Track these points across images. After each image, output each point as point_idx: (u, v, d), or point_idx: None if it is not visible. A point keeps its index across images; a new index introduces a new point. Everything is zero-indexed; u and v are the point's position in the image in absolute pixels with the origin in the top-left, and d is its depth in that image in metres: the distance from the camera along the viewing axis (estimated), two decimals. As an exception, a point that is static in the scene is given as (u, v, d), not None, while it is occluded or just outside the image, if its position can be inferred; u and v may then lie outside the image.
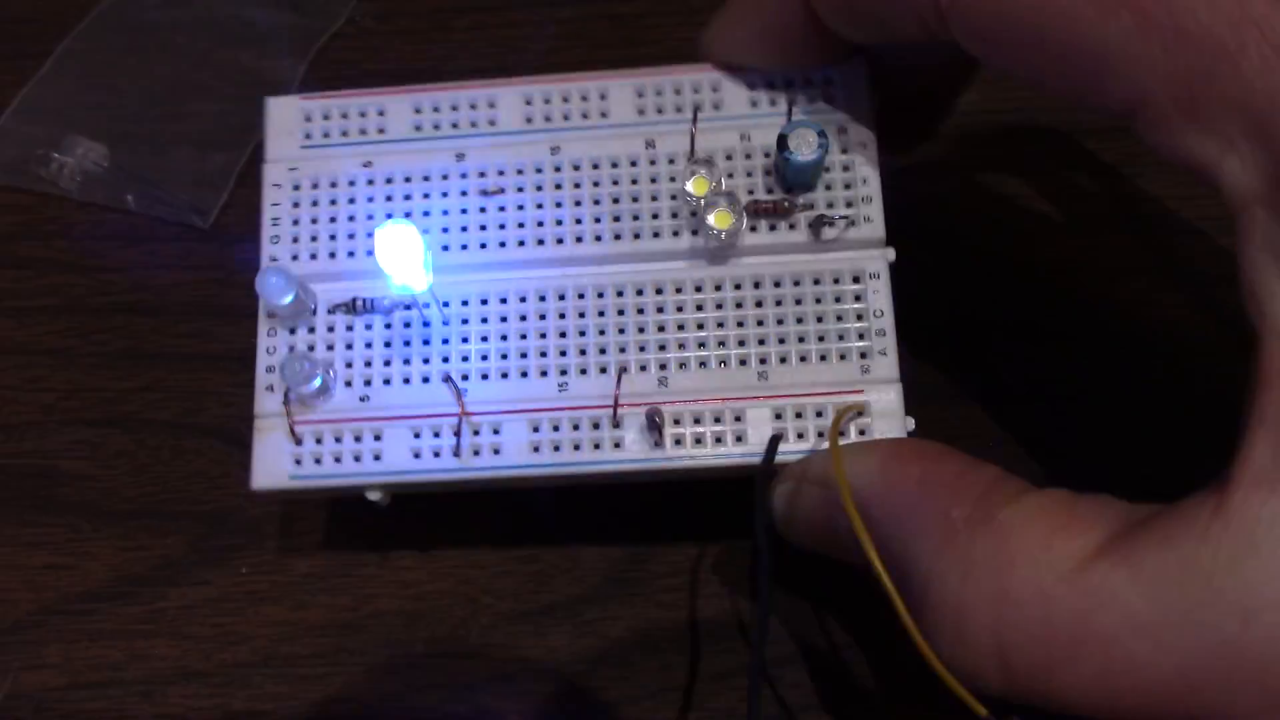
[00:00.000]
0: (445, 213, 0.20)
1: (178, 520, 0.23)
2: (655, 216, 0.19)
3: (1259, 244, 0.14)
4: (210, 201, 0.28)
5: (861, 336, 0.19)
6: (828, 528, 0.17)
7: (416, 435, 0.19)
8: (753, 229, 0.19)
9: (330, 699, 0.21)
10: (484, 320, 0.20)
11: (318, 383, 0.19)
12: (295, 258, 0.20)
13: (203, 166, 0.28)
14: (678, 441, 0.19)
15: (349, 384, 0.20)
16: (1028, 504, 0.16)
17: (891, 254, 0.19)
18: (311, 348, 0.20)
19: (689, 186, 0.19)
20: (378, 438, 0.19)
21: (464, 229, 0.20)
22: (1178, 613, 0.14)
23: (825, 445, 0.18)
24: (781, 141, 0.19)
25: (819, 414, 0.18)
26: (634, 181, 0.20)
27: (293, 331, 0.20)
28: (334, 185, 0.20)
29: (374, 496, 0.19)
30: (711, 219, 0.19)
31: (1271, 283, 0.14)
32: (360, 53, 0.29)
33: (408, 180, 0.20)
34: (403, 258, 0.18)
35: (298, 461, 0.19)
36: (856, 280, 0.19)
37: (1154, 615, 0.14)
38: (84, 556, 0.23)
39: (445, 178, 0.20)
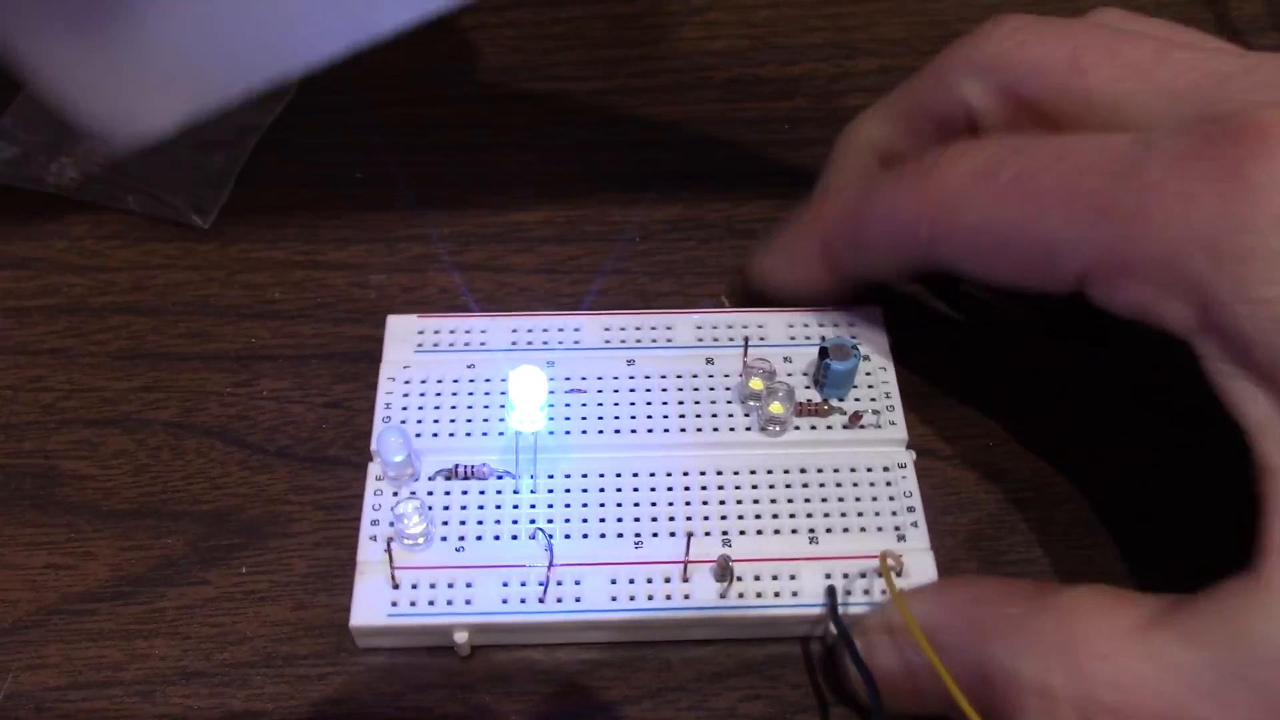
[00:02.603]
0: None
1: (177, 520, 0.23)
2: (715, 416, 0.24)
3: (1214, 368, 0.18)
4: (210, 201, 0.28)
5: (895, 513, 0.23)
6: (905, 673, 0.19)
7: (505, 584, 0.22)
8: (797, 428, 0.23)
9: (330, 699, 0.21)
10: (567, 490, 0.23)
11: (419, 529, 0.22)
12: (402, 431, 0.23)
13: (203, 167, 0.29)
14: (740, 595, 0.21)
15: (444, 539, 0.22)
16: (1079, 589, 0.18)
17: (914, 454, 0.23)
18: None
19: (749, 384, 0.23)
20: (469, 584, 0.22)
21: (551, 419, 0.23)
22: (1232, 674, 0.16)
23: (871, 604, 0.21)
24: (823, 352, 0.23)
25: (863, 575, 0.22)
26: (696, 389, 0.24)
27: (395, 494, 0.23)
28: (440, 381, 0.24)
29: (460, 638, 0.21)
30: (770, 408, 0.23)
31: (1233, 384, 0.18)
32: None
33: (503, 380, 0.24)
34: (529, 396, 0.22)
35: (394, 604, 0.21)
36: (886, 469, 0.23)
37: (1211, 678, 0.16)
38: (84, 556, 0.23)
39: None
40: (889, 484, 0.23)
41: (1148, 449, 0.24)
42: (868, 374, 0.24)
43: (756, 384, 0.23)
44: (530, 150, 0.30)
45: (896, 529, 0.22)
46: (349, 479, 0.23)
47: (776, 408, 0.23)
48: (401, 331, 0.25)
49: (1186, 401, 0.25)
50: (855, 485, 0.23)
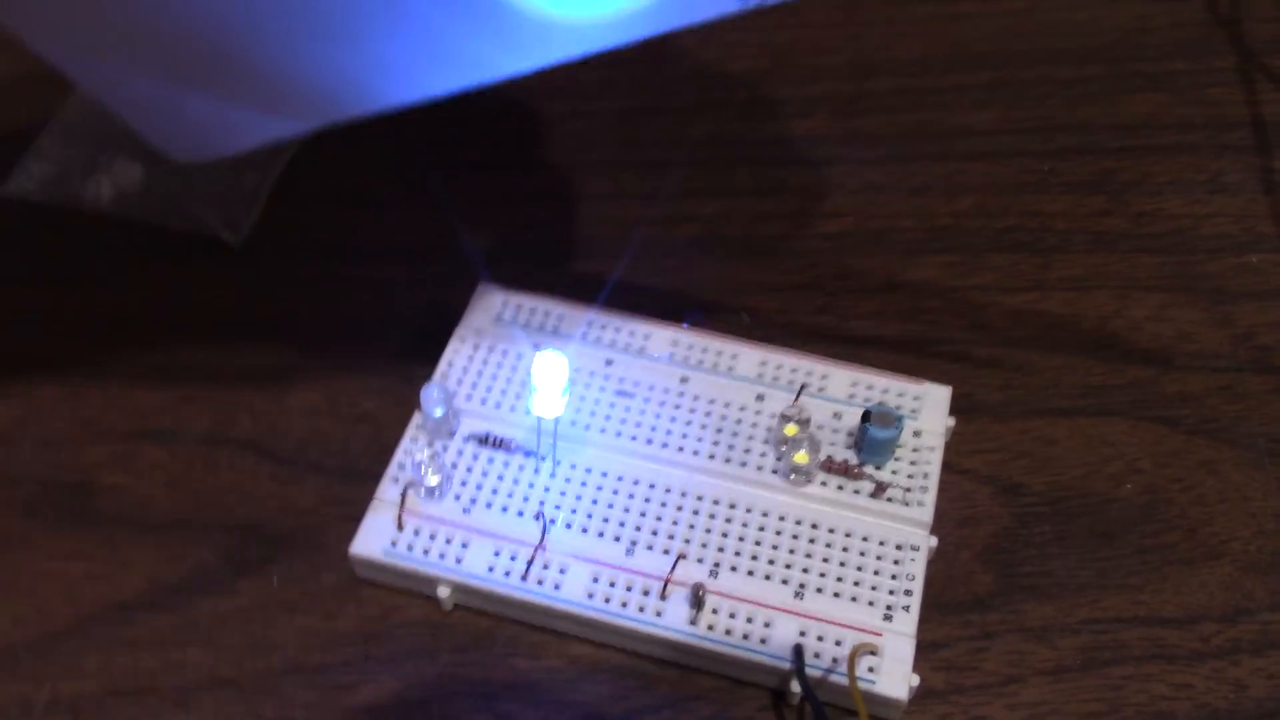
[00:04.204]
0: (583, 399, 0.24)
1: (210, 531, 0.24)
2: (748, 451, 0.24)
3: None
4: (242, 219, 0.29)
5: (891, 592, 0.22)
6: None
7: (496, 553, 0.22)
8: (823, 483, 0.24)
9: (358, 707, 0.21)
10: (583, 484, 0.23)
11: (435, 484, 0.23)
12: (454, 391, 0.25)
13: (235, 185, 0.29)
14: (710, 626, 0.22)
15: (458, 497, 0.23)
16: None
17: (934, 541, 0.23)
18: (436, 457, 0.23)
19: (784, 430, 0.24)
20: (464, 545, 0.23)
21: (593, 414, 0.24)
22: None
23: (837, 671, 0.21)
24: (865, 416, 0.23)
25: (838, 643, 0.22)
26: (739, 421, 0.24)
27: (431, 445, 0.23)
28: (504, 354, 0.25)
29: (444, 593, 0.22)
30: (793, 456, 0.23)
31: None
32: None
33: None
34: (551, 381, 0.22)
35: (394, 543, 0.23)
36: (899, 548, 0.23)
37: None
38: (120, 566, 0.23)
39: (593, 374, 0.25)
40: (896, 562, 0.22)
41: (1161, 462, 0.25)
42: (914, 450, 0.24)
43: (790, 429, 0.24)
44: (555, 169, 0.30)
45: (888, 607, 0.22)
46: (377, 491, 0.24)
47: (801, 457, 0.23)
48: (486, 301, 0.26)
49: (1201, 414, 0.25)
50: (862, 554, 0.22)
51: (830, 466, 0.24)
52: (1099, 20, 0.34)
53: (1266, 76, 0.33)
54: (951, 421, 0.24)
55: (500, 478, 0.23)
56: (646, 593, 0.22)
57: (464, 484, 0.23)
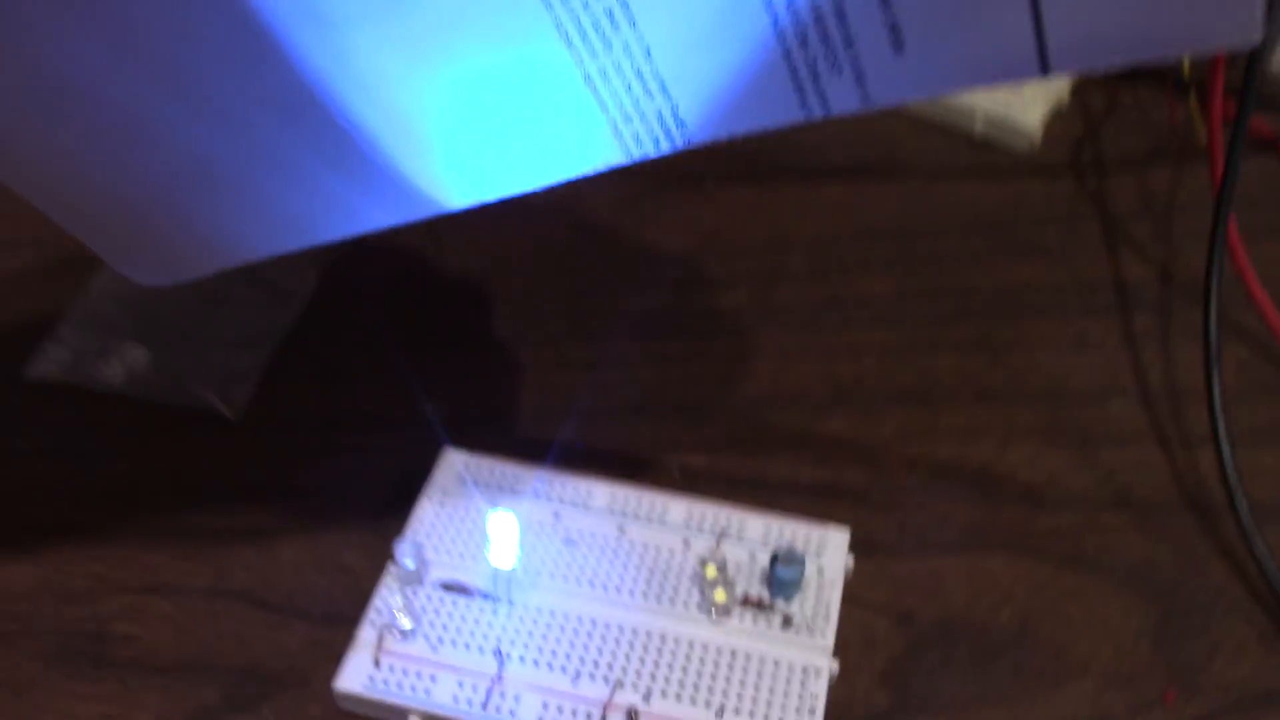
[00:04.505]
0: (534, 547, 0.29)
1: (213, 673, 0.27)
2: (676, 589, 0.28)
3: None
4: (239, 395, 0.33)
5: (798, 710, 0.26)
6: None
7: (460, 684, 0.26)
8: (740, 618, 0.28)
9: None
10: (535, 622, 0.27)
11: (408, 627, 0.27)
12: (425, 538, 0.29)
13: (231, 366, 0.33)
14: None
15: (427, 637, 0.27)
16: None
17: (836, 665, 0.27)
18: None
19: (705, 571, 0.28)
20: (433, 678, 0.26)
21: (543, 560, 0.28)
22: None
23: None
24: (774, 557, 0.28)
25: None
26: (668, 564, 0.29)
27: (403, 592, 0.28)
28: (466, 511, 0.29)
29: None
30: (713, 594, 0.28)
31: None
32: (367, 258, 0.34)
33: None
34: (504, 535, 0.27)
35: (372, 679, 0.26)
36: (805, 671, 0.27)
37: None
38: (133, 707, 0.27)
39: (542, 524, 0.29)
40: (803, 684, 0.26)
41: (1033, 591, 0.29)
42: (818, 586, 0.28)
43: (711, 571, 0.28)
44: (508, 342, 0.35)
45: None
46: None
47: (720, 595, 0.27)
48: (449, 464, 0.30)
49: (1067, 546, 0.30)
50: (774, 678, 0.26)
51: (746, 601, 0.28)
52: (982, 197, 0.40)
53: (1127, 244, 0.38)
54: (850, 560, 0.28)
55: (463, 619, 0.27)
56: (589, 716, 0.26)
57: (432, 625, 0.27)
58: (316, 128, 0.25)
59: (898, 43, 0.21)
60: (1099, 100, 0.43)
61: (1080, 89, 0.44)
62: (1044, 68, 0.20)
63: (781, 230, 0.38)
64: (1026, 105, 0.41)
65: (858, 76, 0.21)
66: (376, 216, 0.27)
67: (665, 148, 0.24)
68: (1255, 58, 0.31)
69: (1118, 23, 0.20)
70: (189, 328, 0.34)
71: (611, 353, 0.34)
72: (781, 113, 0.23)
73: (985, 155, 0.41)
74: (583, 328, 0.35)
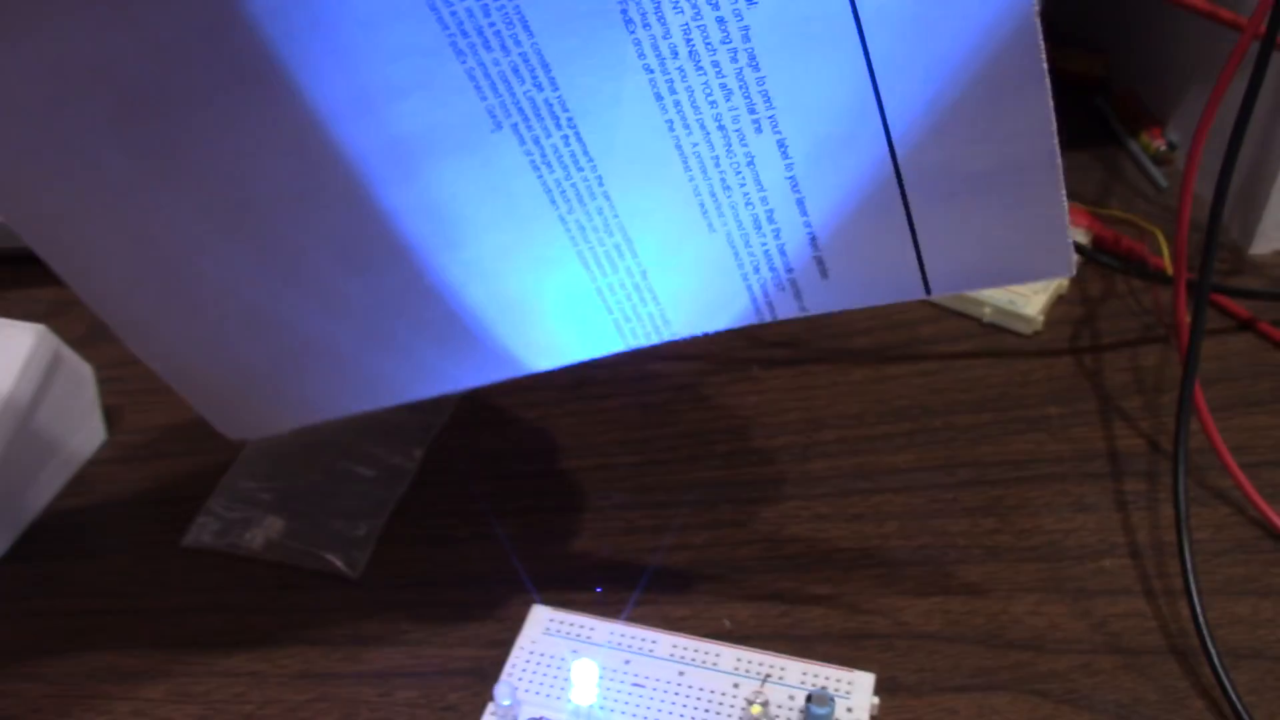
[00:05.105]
0: (609, 688, 0.34)
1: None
2: None
3: None
4: (358, 558, 0.39)
5: None
6: None
7: None
8: None
9: None
10: None
11: None
12: (518, 680, 0.34)
13: (351, 532, 0.40)
14: None
15: None
16: None
17: None
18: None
19: (751, 710, 0.33)
20: None
21: (615, 699, 0.34)
22: None
23: None
24: (809, 698, 0.33)
25: None
26: (720, 704, 0.34)
27: None
28: (552, 658, 0.35)
29: None
30: None
31: None
32: (464, 438, 0.41)
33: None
34: (584, 679, 0.33)
35: None
36: None
37: None
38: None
39: (615, 670, 0.34)
40: None
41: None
42: None
43: (756, 709, 0.33)
44: (583, 511, 0.41)
45: None
46: (463, 763, 0.33)
47: None
48: (537, 617, 0.36)
49: (1066, 687, 0.34)
50: None
51: (788, 736, 0.33)
52: (992, 376, 0.46)
53: (1120, 416, 0.44)
54: (876, 700, 0.34)
55: (552, 748, 0.33)
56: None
57: (525, 754, 0.33)
58: (436, 319, 0.32)
59: (824, 272, 0.29)
60: (1096, 287, 0.50)
61: (1080, 277, 0.50)
62: (927, 291, 0.30)
63: (815, 408, 0.45)
64: (1030, 296, 0.48)
65: (796, 293, 0.30)
66: (462, 378, 0.34)
67: (655, 340, 0.32)
68: (1208, 255, 0.37)
69: (974, 265, 0.29)
70: (317, 501, 0.41)
71: (671, 519, 0.40)
72: (741, 317, 0.31)
73: (993, 338, 0.47)
74: (649, 497, 0.41)
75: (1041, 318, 0.47)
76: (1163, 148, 0.56)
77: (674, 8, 0.25)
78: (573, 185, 0.29)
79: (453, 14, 0.26)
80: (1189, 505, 0.36)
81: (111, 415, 0.44)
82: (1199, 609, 0.35)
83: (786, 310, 0.31)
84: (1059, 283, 0.49)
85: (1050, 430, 0.43)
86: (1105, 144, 0.58)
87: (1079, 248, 0.48)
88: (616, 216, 0.29)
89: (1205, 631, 0.34)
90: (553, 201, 0.29)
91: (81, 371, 0.42)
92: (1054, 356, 0.47)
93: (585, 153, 0.28)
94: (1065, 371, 0.46)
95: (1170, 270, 0.47)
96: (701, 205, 0.29)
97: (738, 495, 0.41)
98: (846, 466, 0.42)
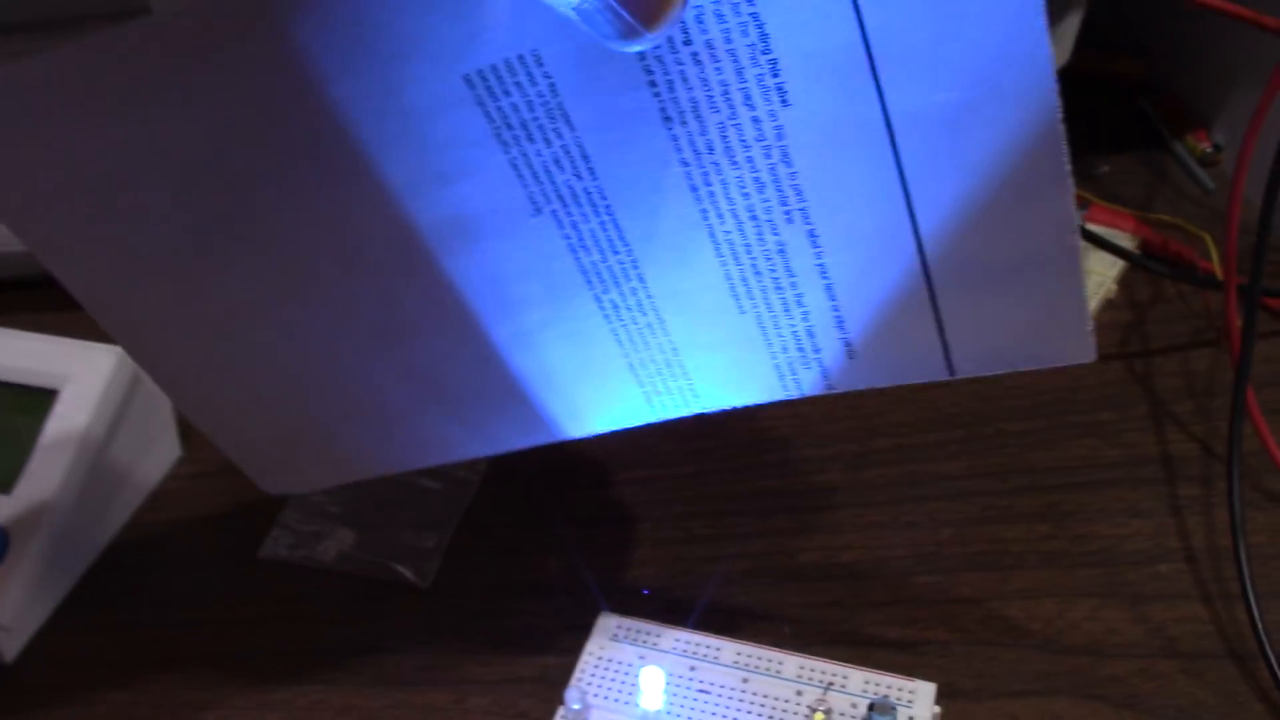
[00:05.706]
0: (674, 694, 0.35)
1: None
2: None
3: None
4: (428, 569, 0.40)
5: None
6: None
7: None
8: None
9: None
10: None
11: None
12: (587, 685, 0.35)
13: (421, 544, 0.41)
14: None
15: None
16: None
17: None
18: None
19: (815, 718, 0.34)
20: None
21: (682, 705, 0.35)
22: None
23: None
24: (871, 706, 0.34)
25: None
26: (783, 711, 0.34)
27: None
28: (620, 664, 0.36)
29: None
30: None
31: None
32: (527, 453, 0.42)
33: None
34: (652, 685, 0.34)
35: None
36: None
37: None
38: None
39: (681, 676, 0.35)
40: None
41: (1095, 731, 0.34)
42: None
43: (819, 717, 0.34)
44: (644, 521, 0.42)
45: None
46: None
47: None
48: (605, 624, 0.37)
49: (1125, 691, 0.35)
50: None
51: (849, 743, 0.34)
52: (1041, 382, 0.46)
53: (1172, 421, 0.44)
54: (937, 709, 0.34)
55: (619, 751, 0.34)
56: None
57: (594, 749, 0.34)
58: (478, 384, 0.33)
59: (851, 353, 0.30)
60: (1145, 292, 0.50)
61: (1128, 282, 0.50)
62: (951, 373, 0.30)
63: (866, 416, 0.45)
64: (1077, 301, 0.48)
65: (823, 373, 0.31)
66: (511, 441, 0.35)
67: (684, 413, 0.33)
68: (1259, 259, 0.38)
69: (998, 350, 0.30)
70: (386, 514, 0.42)
71: (730, 527, 0.41)
72: (769, 393, 0.32)
73: (1043, 344, 0.48)
74: (707, 506, 0.42)
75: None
76: (1209, 150, 0.56)
77: (711, 107, 0.26)
78: (608, 267, 0.30)
79: (498, 109, 0.27)
80: (1244, 509, 0.37)
81: (185, 432, 0.46)
82: (1256, 613, 0.35)
83: (814, 388, 0.32)
84: (1107, 288, 0.49)
85: (1103, 435, 0.44)
86: (1149, 147, 0.58)
87: (1127, 253, 0.48)
88: (650, 297, 0.30)
89: (1263, 635, 0.35)
90: (589, 282, 0.30)
91: (157, 391, 0.44)
92: (1104, 362, 0.47)
93: (621, 237, 0.29)
94: (1116, 377, 0.46)
95: (1220, 274, 0.47)
96: (732, 289, 0.30)
97: (793, 504, 0.42)
98: (899, 474, 0.43)
